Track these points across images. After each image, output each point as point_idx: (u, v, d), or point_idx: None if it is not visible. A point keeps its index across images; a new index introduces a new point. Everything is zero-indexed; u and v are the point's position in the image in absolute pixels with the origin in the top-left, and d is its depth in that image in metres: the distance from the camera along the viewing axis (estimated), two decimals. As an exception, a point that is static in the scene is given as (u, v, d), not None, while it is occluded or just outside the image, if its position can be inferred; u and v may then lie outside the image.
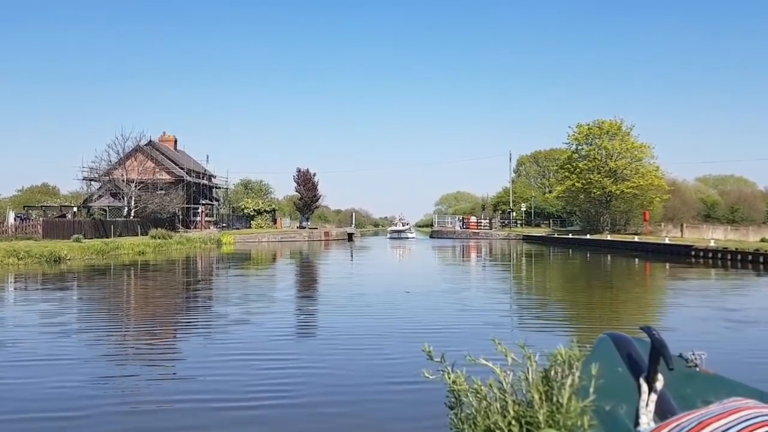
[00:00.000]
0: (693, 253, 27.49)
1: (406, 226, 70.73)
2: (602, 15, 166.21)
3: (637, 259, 28.27)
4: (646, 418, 1.60)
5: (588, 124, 51.73)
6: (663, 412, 1.60)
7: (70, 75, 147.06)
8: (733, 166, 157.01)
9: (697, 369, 1.77)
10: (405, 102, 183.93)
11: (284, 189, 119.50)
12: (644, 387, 1.67)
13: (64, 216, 38.66)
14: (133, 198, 46.06)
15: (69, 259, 26.39)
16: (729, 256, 24.63)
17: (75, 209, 39.53)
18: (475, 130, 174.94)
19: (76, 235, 32.40)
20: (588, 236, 44.54)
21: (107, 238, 37.18)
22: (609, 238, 40.12)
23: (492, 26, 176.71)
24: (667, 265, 24.30)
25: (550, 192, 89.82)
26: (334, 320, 11.07)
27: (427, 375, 1.74)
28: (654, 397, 1.65)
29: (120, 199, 46.51)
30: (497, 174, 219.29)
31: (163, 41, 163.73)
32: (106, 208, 46.26)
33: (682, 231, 42.16)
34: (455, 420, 1.63)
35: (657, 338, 1.65)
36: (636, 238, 36.27)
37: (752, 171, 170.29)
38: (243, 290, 16.26)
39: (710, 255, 26.04)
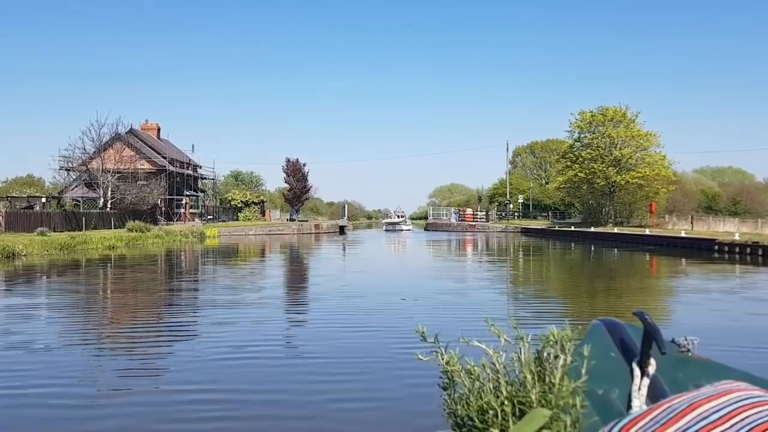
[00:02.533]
0: (716, 247, 25.02)
1: (401, 219, 68.53)
2: (594, 7, 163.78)
3: (648, 254, 25.82)
4: (639, 402, 1.61)
5: (591, 111, 49.19)
6: (655, 396, 1.60)
7: (57, 66, 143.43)
8: (729, 157, 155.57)
9: (689, 354, 1.76)
10: (398, 94, 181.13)
11: (277, 182, 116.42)
12: (637, 371, 1.67)
13: (31, 207, 35.82)
14: (110, 188, 43.14)
15: (25, 255, 23.71)
16: (760, 252, 22.14)
17: (44, 200, 36.65)
18: (469, 121, 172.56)
19: (40, 228, 29.68)
20: (593, 229, 42.10)
21: (79, 231, 34.45)
22: (616, 231, 37.68)
23: (486, 16, 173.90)
24: (683, 261, 21.96)
25: (547, 183, 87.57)
26: (308, 335, 8.56)
27: (420, 357, 1.67)
28: (646, 381, 1.65)
29: (95, 189, 43.57)
30: (492, 166, 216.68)
31: (151, 32, 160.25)
32: (80, 200, 43.33)
33: (692, 223, 39.79)
34: (448, 400, 1.58)
35: (650, 323, 1.64)
36: (647, 231, 33.82)
37: (745, 162, 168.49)
38: (206, 293, 13.69)
39: (737, 250, 23.57)
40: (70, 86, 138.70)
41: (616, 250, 29.60)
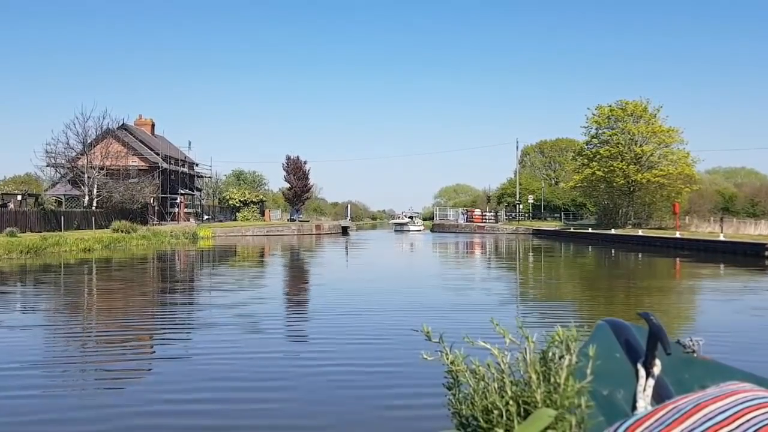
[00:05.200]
0: (767, 253, 22.08)
1: (410, 218, 66.29)
2: (597, 7, 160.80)
3: (685, 261, 22.88)
4: (644, 402, 1.60)
5: (610, 106, 46.24)
6: (660, 397, 1.59)
7: (53, 61, 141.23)
8: (740, 157, 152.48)
9: (695, 355, 1.76)
10: (403, 93, 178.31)
11: (280, 181, 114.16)
12: (642, 372, 1.66)
13: (5, 206, 33.09)
14: (95, 185, 40.33)
15: (-19, 259, 20.97)
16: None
17: (19, 197, 33.97)
18: (474, 120, 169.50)
19: (9, 229, 26.96)
20: (613, 231, 39.14)
21: (59, 231, 31.75)
22: (641, 233, 34.71)
23: (488, 14, 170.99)
24: (722, 268, 19.12)
25: (557, 183, 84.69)
26: (280, 380, 5.72)
27: (425, 356, 1.66)
28: (651, 382, 1.64)
29: (79, 186, 40.78)
30: (498, 166, 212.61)
31: (149, 30, 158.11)
32: (62, 197, 40.58)
33: (721, 225, 36.80)
34: (453, 400, 1.57)
35: (655, 324, 1.62)
36: (677, 234, 30.83)
37: (753, 162, 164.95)
38: (164, 310, 10.81)
39: (794, 257, 20.62)
40: (67, 82, 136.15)
41: (640, 254, 26.73)
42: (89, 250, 26.97)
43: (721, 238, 26.48)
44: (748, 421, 0.97)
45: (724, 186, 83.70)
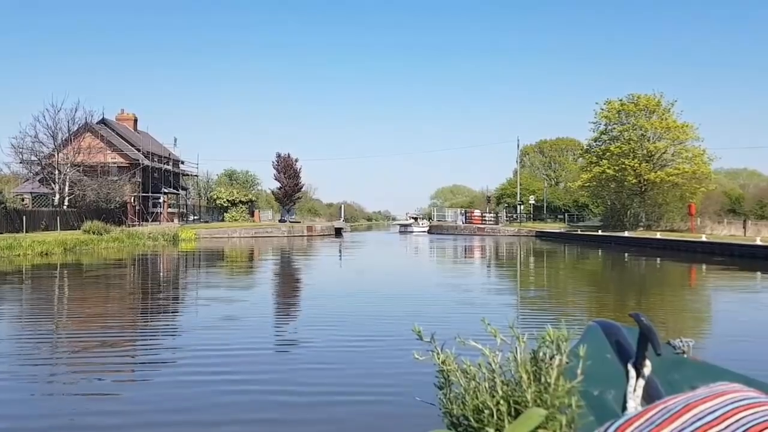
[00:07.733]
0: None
1: (415, 219, 65.69)
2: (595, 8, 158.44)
3: (733, 269, 20.10)
4: (634, 403, 1.60)
5: (620, 100, 43.42)
6: (650, 397, 1.58)
7: (46, 57, 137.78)
8: (744, 159, 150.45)
9: (685, 356, 1.74)
10: (400, 92, 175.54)
11: (273, 181, 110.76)
12: (632, 372, 1.65)
13: (-39, 204, 30.05)
14: (67, 183, 37.20)
15: None
16: None
17: (-23, 196, 31.01)
18: (471, 120, 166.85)
19: (-42, 230, 23.93)
20: (626, 234, 36.32)
21: (22, 232, 28.71)
22: (659, 236, 31.88)
23: (491, 15, 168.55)
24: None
25: (557, 184, 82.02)
26: None
27: (417, 356, 1.63)
28: (642, 382, 1.63)
29: (48, 184, 37.67)
30: (496, 167, 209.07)
31: (142, 28, 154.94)
32: (29, 196, 37.49)
33: (744, 228, 34.09)
34: (444, 400, 1.56)
35: (645, 324, 1.61)
36: (703, 237, 27.96)
37: (752, 162, 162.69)
38: (96, 340, 7.86)
39: None
40: (60, 79, 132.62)
41: (659, 259, 24.02)
42: (47, 254, 23.94)
43: (758, 242, 23.63)
44: (737, 421, 0.96)
45: (730, 187, 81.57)
